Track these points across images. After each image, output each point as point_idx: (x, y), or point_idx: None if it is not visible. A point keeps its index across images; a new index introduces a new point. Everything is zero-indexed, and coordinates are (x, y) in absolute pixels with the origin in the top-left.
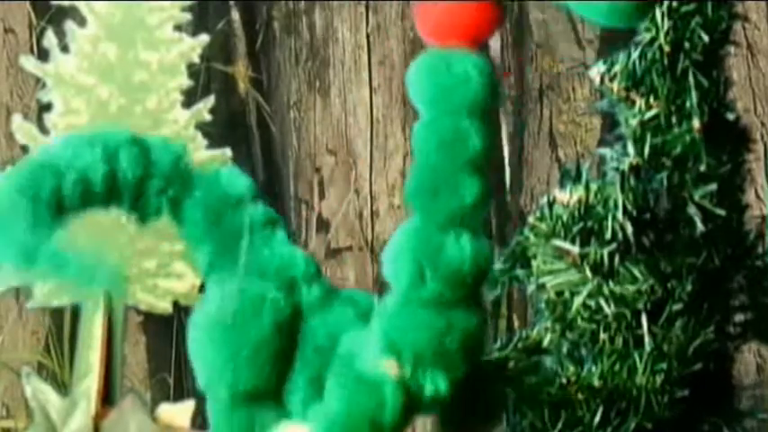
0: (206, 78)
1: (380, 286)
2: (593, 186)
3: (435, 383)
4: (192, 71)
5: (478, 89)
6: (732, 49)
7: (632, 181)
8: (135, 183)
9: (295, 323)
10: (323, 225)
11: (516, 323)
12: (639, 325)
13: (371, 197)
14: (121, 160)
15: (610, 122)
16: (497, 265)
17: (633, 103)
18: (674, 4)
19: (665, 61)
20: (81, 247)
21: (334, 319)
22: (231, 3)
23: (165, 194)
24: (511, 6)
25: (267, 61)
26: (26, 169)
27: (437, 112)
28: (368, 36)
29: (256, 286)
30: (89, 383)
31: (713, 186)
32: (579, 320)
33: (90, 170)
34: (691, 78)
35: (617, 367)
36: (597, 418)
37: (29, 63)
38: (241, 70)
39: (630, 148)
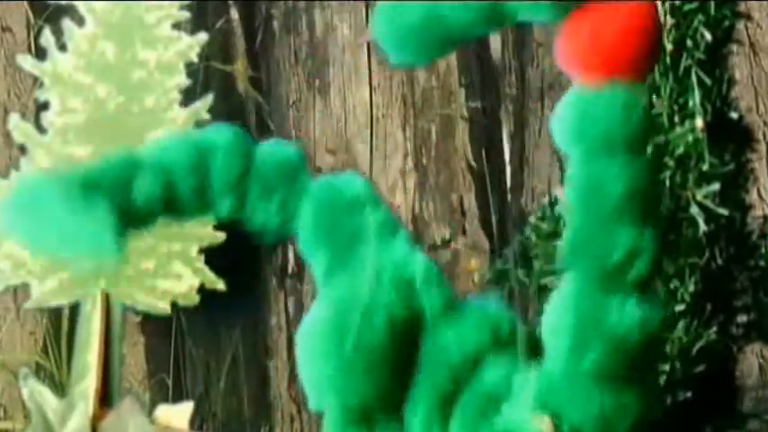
0: (205, 77)
1: None
2: None
3: None
4: (191, 70)
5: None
6: (735, 47)
7: None
8: (233, 185)
9: (414, 332)
10: None
11: None
12: None
13: None
14: (217, 161)
15: None
16: (499, 266)
17: None
18: (677, 2)
19: (668, 60)
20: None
21: (470, 337)
22: (230, 1)
23: (271, 200)
24: None
25: (266, 60)
26: (105, 165)
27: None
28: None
29: (371, 291)
30: (87, 385)
31: (716, 186)
32: None
33: (177, 170)
34: (693, 77)
35: None
36: None
37: (26, 62)
38: (240, 69)
39: None
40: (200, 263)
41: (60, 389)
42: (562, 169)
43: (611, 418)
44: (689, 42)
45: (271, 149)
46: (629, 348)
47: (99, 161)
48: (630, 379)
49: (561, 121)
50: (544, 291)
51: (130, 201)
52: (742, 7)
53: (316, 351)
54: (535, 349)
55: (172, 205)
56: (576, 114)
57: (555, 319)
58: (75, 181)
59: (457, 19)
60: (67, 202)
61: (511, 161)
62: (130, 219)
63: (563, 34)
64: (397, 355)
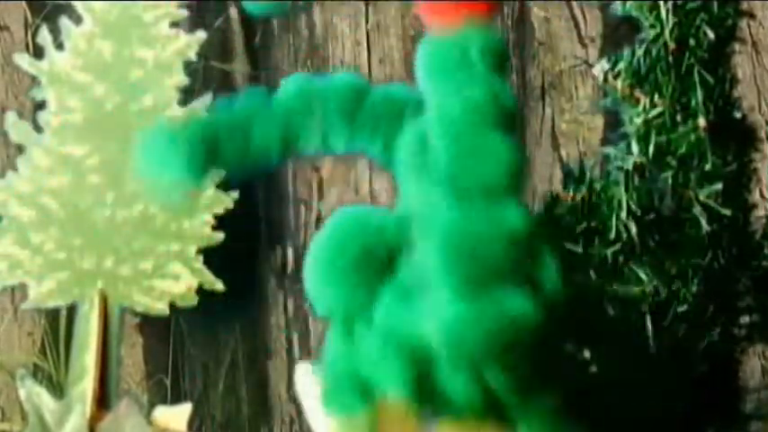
0: (203, 76)
1: None
2: (597, 186)
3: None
4: (190, 69)
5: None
6: (737, 46)
7: (636, 180)
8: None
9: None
10: (322, 225)
11: None
12: (644, 327)
13: (371, 196)
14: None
15: (613, 121)
16: None
17: (637, 101)
18: (680, 1)
19: (670, 59)
20: (76, 247)
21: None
22: (229, 0)
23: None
24: (512, 5)
25: (266, 59)
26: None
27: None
28: (368, 33)
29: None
30: (84, 386)
31: (718, 186)
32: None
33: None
34: (696, 76)
35: None
36: None
37: (23, 61)
38: (239, 68)
39: (635, 147)
40: (199, 263)
41: (58, 390)
42: (564, 169)
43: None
44: (691, 41)
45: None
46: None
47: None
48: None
49: (420, 61)
50: None
51: (249, 141)
52: (744, 6)
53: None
54: None
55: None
56: (432, 53)
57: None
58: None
59: None
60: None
61: None
62: (247, 158)
63: None
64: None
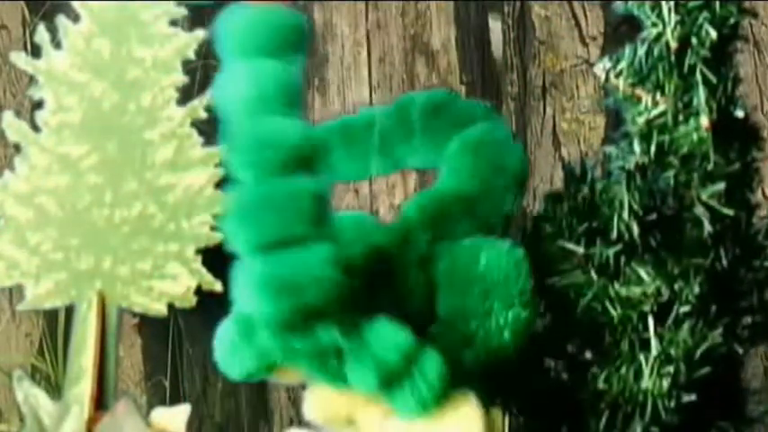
0: (202, 75)
1: None
2: (599, 185)
3: None
4: (189, 68)
5: None
6: (739, 45)
7: (638, 180)
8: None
9: None
10: None
11: None
12: (646, 327)
13: (371, 196)
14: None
15: (614, 120)
16: None
17: (639, 100)
18: None
19: (672, 57)
20: (74, 248)
21: None
22: None
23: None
24: (513, 3)
25: None
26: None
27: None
28: (367, 32)
29: None
30: (82, 387)
31: (721, 185)
32: (584, 323)
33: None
34: (698, 75)
35: (623, 371)
36: (602, 423)
37: (20, 59)
38: None
39: (636, 147)
40: (197, 264)
41: (56, 391)
42: (565, 168)
43: None
44: (693, 40)
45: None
46: None
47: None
48: None
49: (224, 35)
50: (546, 292)
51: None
52: (747, 4)
53: None
54: None
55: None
56: (227, 27)
57: None
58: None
59: None
60: None
61: None
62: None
63: None
64: None
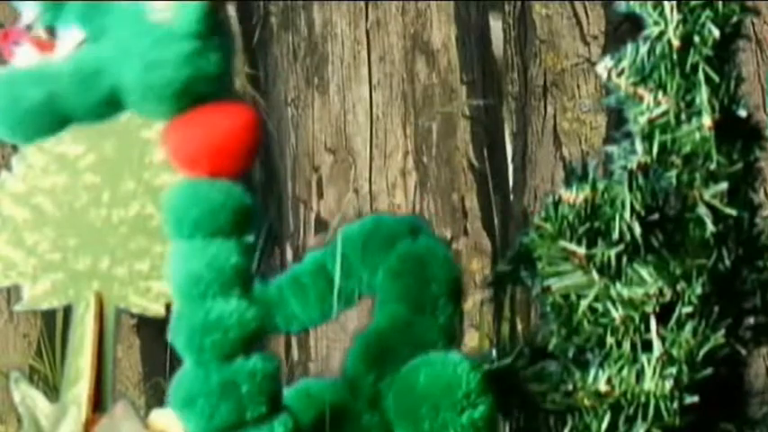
0: None
1: None
2: (600, 185)
3: None
4: None
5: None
6: (741, 43)
7: (640, 180)
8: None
9: None
10: (321, 225)
11: (520, 327)
12: (648, 328)
13: (371, 196)
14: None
15: (616, 120)
16: (501, 267)
17: (641, 99)
18: None
19: (675, 56)
20: (71, 248)
21: None
22: None
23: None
24: (513, 2)
25: (264, 57)
26: None
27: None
28: (367, 31)
29: None
30: (80, 389)
31: (724, 185)
32: (585, 324)
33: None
34: (701, 74)
35: (625, 372)
36: (604, 425)
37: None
38: (237, 66)
39: (639, 146)
40: None
41: (55, 392)
42: (565, 168)
43: None
44: (696, 38)
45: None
46: None
47: None
48: None
49: (168, 207)
50: (547, 293)
51: None
52: (749, 3)
53: None
54: None
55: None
56: (181, 201)
57: None
58: None
59: (74, 104)
60: None
61: (513, 160)
62: None
63: (170, 133)
64: None
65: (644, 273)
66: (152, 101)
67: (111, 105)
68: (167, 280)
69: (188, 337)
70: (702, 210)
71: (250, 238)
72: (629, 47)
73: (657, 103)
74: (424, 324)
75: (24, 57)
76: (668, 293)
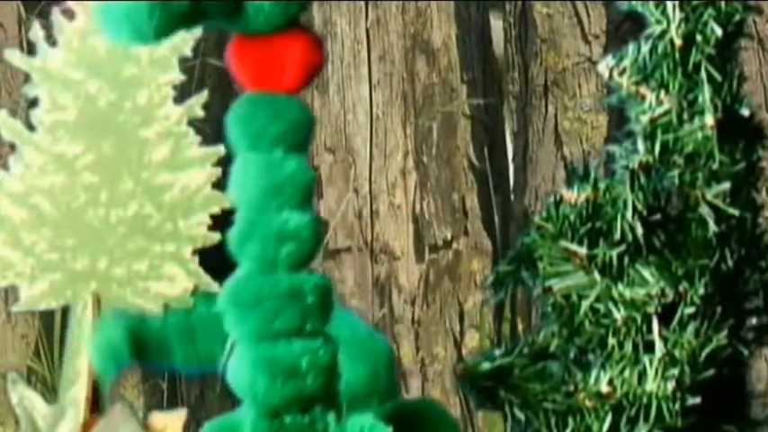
0: (200, 73)
1: (380, 287)
2: (602, 185)
3: None
4: (185, 66)
5: None
6: (744, 42)
7: (642, 179)
8: None
9: None
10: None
11: (520, 327)
12: (650, 329)
13: (371, 196)
14: None
15: (617, 119)
16: (502, 267)
17: (643, 98)
18: None
19: (677, 55)
20: (69, 248)
21: None
22: None
23: None
24: (514, 1)
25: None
26: None
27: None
28: (367, 31)
29: None
30: (77, 390)
31: (726, 185)
32: (587, 325)
33: None
34: (703, 73)
35: (626, 373)
36: (606, 426)
37: (14, 57)
38: None
39: (640, 146)
40: (195, 264)
41: (53, 394)
42: (567, 168)
43: None
44: (698, 37)
45: None
46: None
47: None
48: None
49: (234, 124)
50: (548, 293)
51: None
52: (752, 2)
53: None
54: None
55: None
56: (242, 115)
57: None
58: None
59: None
60: None
61: (514, 160)
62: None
63: (242, 49)
64: None
65: (646, 273)
66: (273, 14)
67: (235, 11)
68: (232, 190)
69: (262, 245)
70: (705, 210)
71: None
72: (631, 46)
73: (659, 103)
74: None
75: None
76: (670, 294)
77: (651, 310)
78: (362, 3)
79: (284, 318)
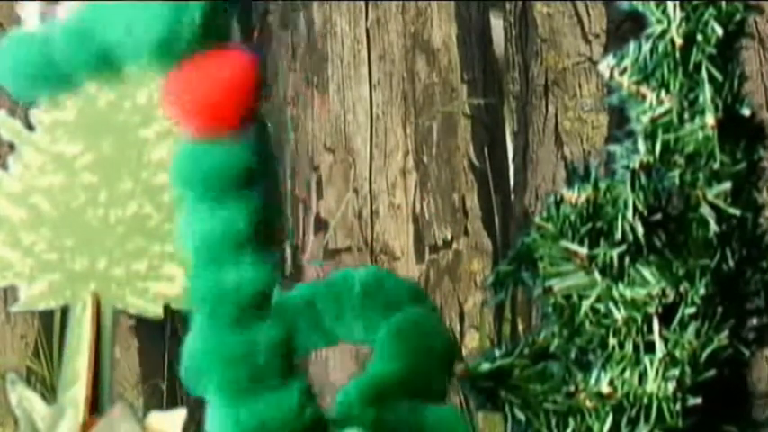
0: None
1: None
2: (602, 185)
3: None
4: None
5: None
6: (745, 42)
7: (643, 179)
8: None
9: None
10: (321, 225)
11: (521, 327)
12: (650, 330)
13: (371, 196)
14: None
15: (617, 119)
16: (502, 267)
17: (644, 97)
18: None
19: (678, 54)
20: (68, 248)
21: None
22: None
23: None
24: (515, 1)
25: (263, 56)
26: None
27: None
28: (367, 30)
29: None
30: (77, 390)
31: (727, 185)
32: (587, 325)
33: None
34: (704, 72)
35: (627, 374)
36: (606, 427)
37: None
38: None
39: (641, 145)
40: None
41: (52, 394)
42: (567, 167)
43: None
44: (699, 36)
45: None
46: None
47: None
48: None
49: (174, 170)
50: (549, 293)
51: None
52: (752, 1)
53: None
54: None
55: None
56: (185, 163)
57: None
58: None
59: (68, 61)
60: None
61: (514, 159)
62: None
63: (166, 88)
64: None
65: (646, 273)
66: (137, 57)
67: (105, 62)
68: (181, 241)
69: (204, 302)
70: (706, 210)
71: (258, 197)
72: (632, 45)
73: (660, 102)
74: (420, 387)
75: (30, 15)
76: (671, 294)
77: (652, 310)
78: (362, 3)
79: (239, 377)
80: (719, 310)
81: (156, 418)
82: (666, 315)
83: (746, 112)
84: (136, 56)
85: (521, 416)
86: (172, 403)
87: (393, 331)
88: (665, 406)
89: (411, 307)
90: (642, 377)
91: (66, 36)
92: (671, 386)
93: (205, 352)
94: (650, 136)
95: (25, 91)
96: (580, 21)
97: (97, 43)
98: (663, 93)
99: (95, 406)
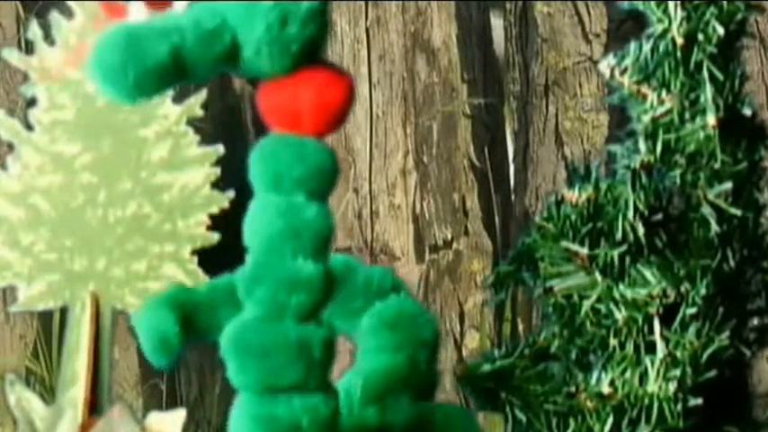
0: None
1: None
2: (603, 185)
3: None
4: None
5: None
6: (746, 41)
7: (644, 179)
8: None
9: None
10: None
11: (521, 328)
12: (651, 330)
13: (371, 196)
14: None
15: (618, 119)
16: (502, 267)
17: (645, 97)
18: None
19: (678, 54)
20: (67, 248)
21: None
22: None
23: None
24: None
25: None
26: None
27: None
28: (367, 30)
29: None
30: (76, 391)
31: (728, 185)
32: (588, 325)
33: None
34: (705, 72)
35: (628, 374)
36: (607, 428)
37: (12, 56)
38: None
39: (642, 145)
40: (193, 264)
41: (51, 394)
42: (567, 167)
43: None
44: (700, 36)
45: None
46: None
47: None
48: None
49: (256, 163)
50: (549, 294)
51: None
52: (753, 0)
53: None
54: None
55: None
56: (265, 154)
57: None
58: None
59: (196, 59)
60: None
61: (514, 159)
62: None
63: (271, 90)
64: None
65: (647, 273)
66: (272, 57)
67: (229, 60)
68: (246, 231)
69: (272, 290)
70: (707, 209)
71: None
72: (632, 45)
73: (661, 102)
74: (415, 377)
75: (138, 13)
76: (672, 294)
77: (653, 310)
78: (362, 2)
79: (290, 372)
80: (720, 310)
81: (155, 418)
82: (667, 315)
83: (747, 111)
84: (265, 56)
85: (521, 417)
86: (171, 403)
87: (376, 322)
88: (665, 406)
89: (395, 295)
90: (643, 378)
91: (197, 31)
92: (672, 387)
93: (265, 340)
94: (651, 136)
95: (142, 90)
96: (581, 20)
97: (228, 41)
98: (664, 92)
99: (94, 406)
